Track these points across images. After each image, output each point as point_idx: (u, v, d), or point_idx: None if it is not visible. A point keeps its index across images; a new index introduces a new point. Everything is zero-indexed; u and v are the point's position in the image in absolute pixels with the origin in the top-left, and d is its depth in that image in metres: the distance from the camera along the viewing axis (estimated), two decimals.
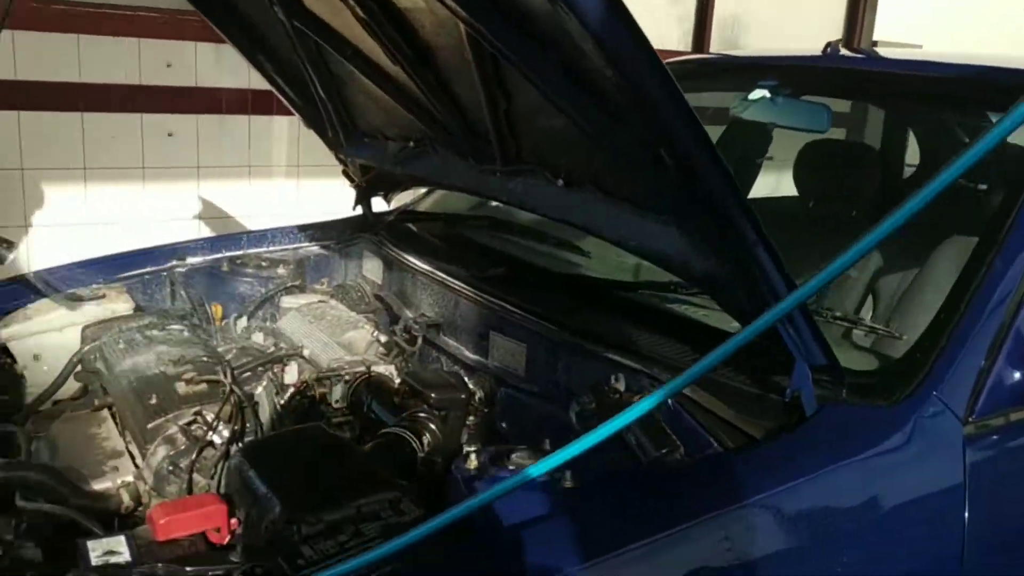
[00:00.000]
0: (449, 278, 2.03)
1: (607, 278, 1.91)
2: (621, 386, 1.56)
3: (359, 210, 2.68)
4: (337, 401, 1.75)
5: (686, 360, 1.56)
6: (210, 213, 4.60)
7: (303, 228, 2.67)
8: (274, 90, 2.54)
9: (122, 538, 1.20)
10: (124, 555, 1.16)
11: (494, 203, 2.58)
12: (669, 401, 1.49)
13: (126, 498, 1.58)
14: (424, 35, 1.70)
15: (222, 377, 1.70)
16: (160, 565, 1.13)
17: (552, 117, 1.57)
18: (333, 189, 4.82)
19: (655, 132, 1.23)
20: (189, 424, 1.58)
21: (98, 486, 1.60)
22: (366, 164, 2.51)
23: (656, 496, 1.29)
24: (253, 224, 4.61)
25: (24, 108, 4.05)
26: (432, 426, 1.57)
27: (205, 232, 4.56)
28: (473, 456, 1.31)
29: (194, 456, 1.49)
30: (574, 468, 1.28)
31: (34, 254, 4.20)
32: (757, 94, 2.39)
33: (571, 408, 1.56)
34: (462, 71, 1.66)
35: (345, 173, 2.65)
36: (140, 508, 1.61)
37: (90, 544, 1.18)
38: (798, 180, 2.60)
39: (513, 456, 1.32)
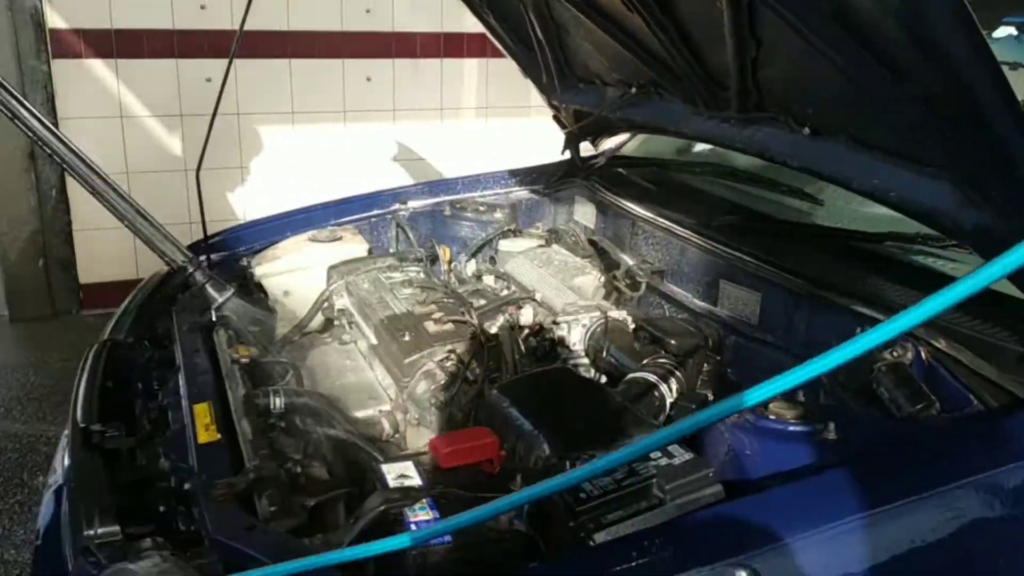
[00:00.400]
0: (674, 225, 2.05)
1: (847, 228, 1.86)
2: None
3: (567, 155, 2.73)
4: (574, 344, 1.82)
5: (941, 315, 1.52)
6: (404, 155, 4.79)
7: (514, 173, 2.75)
8: (490, 35, 2.60)
9: (410, 464, 1.31)
10: (415, 479, 1.28)
11: (704, 149, 2.57)
12: (923, 356, 1.47)
13: (387, 426, 1.72)
14: None
15: (468, 318, 1.80)
16: (451, 490, 1.23)
17: (806, 66, 1.54)
18: (519, 130, 4.93)
19: (945, 85, 1.19)
20: (444, 361, 1.69)
21: (360, 414, 1.74)
22: (579, 110, 2.54)
23: (919, 453, 1.28)
24: (444, 165, 4.77)
25: (239, 56, 4.34)
26: (677, 372, 1.61)
27: (400, 172, 4.76)
28: None
29: (455, 391, 1.60)
30: (837, 422, 1.29)
31: (249, 195, 4.51)
32: (1002, 32, 2.24)
33: None
34: (708, 18, 1.64)
35: (556, 118, 2.69)
36: (396, 436, 1.75)
37: (384, 467, 1.30)
38: None
39: (771, 406, 1.34)
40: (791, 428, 1.28)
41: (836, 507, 1.12)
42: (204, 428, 1.51)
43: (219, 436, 1.47)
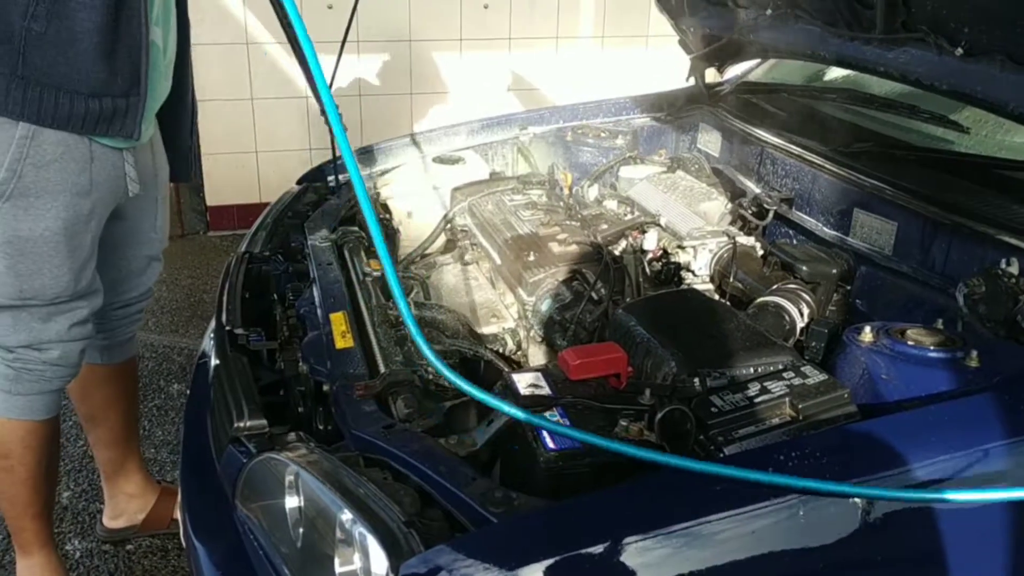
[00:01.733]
0: (805, 152, 1.99)
1: (992, 155, 1.77)
2: (1014, 269, 1.48)
3: (691, 81, 2.67)
4: (700, 269, 1.81)
5: None
6: (519, 84, 4.77)
7: (636, 99, 2.71)
8: None
9: (540, 374, 1.34)
10: (544, 388, 1.31)
11: (836, 76, 2.47)
12: None
13: (510, 342, 1.76)
14: None
15: (592, 240, 1.81)
16: (580, 399, 1.25)
17: None
18: (637, 59, 4.84)
19: None
20: (569, 280, 1.71)
21: (486, 330, 1.79)
22: (708, 34, 2.47)
23: None
24: (558, 93, 4.73)
25: None
26: (807, 297, 1.59)
27: (513, 100, 4.75)
28: (868, 328, 1.31)
29: (579, 309, 1.62)
30: (979, 349, 1.25)
31: (367, 121, 4.59)
32: None
33: (958, 290, 1.50)
34: None
35: (682, 43, 2.63)
36: (519, 352, 1.79)
37: (515, 376, 1.33)
38: None
39: (909, 332, 1.31)
40: (931, 354, 1.25)
41: (977, 432, 1.10)
42: (341, 335, 1.57)
43: (354, 343, 1.53)
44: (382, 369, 1.45)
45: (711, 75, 2.69)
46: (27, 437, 1.89)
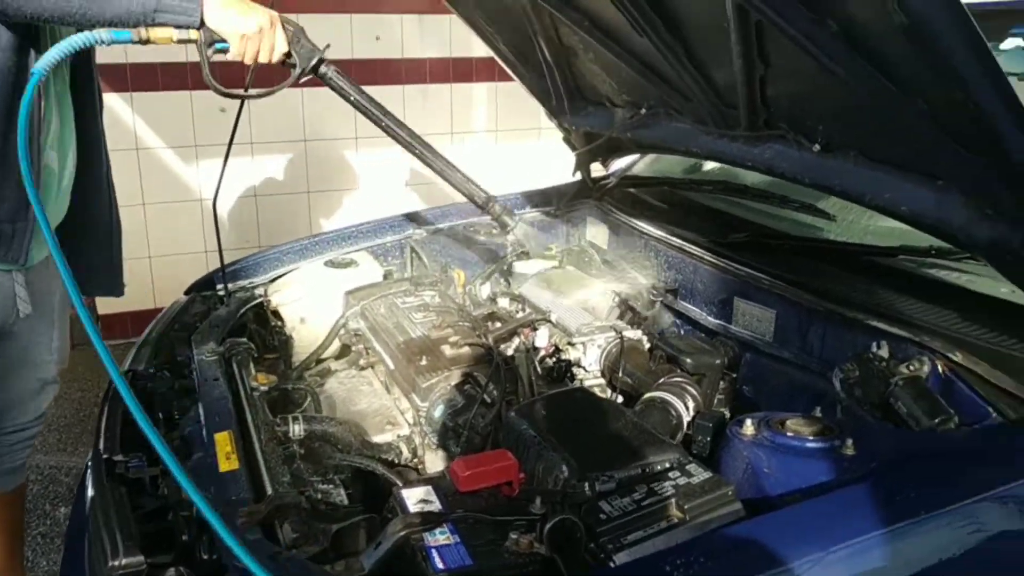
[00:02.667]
0: (686, 244, 2.06)
1: (859, 243, 1.87)
2: (884, 353, 1.54)
3: (578, 175, 2.75)
4: (590, 365, 1.83)
5: (957, 327, 1.53)
6: (416, 179, 4.82)
7: (526, 195, 2.77)
8: (498, 59, 2.62)
9: (430, 488, 1.32)
10: (435, 503, 1.28)
11: (713, 167, 2.58)
12: (940, 369, 1.47)
13: (405, 450, 1.73)
14: (676, 5, 1.71)
15: (483, 341, 1.81)
16: (471, 513, 1.23)
17: (813, 83, 1.56)
18: (531, 152, 4.96)
19: (951, 99, 1.20)
20: (462, 384, 1.70)
21: (379, 439, 1.75)
22: (589, 131, 2.56)
23: (938, 467, 1.28)
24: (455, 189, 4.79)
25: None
26: (692, 391, 1.62)
27: (411, 196, 4.79)
28: (749, 421, 1.34)
29: (471, 414, 1.61)
30: (855, 437, 1.29)
31: (262, 224, 4.55)
32: (1009, 43, 2.25)
33: (834, 375, 1.55)
34: (716, 39, 1.66)
35: (566, 140, 2.72)
36: (415, 460, 1.76)
37: (404, 492, 1.30)
38: None
39: (788, 423, 1.34)
40: (809, 444, 1.28)
41: (856, 523, 1.12)
42: (225, 457, 1.52)
43: (239, 464, 1.48)
44: (269, 491, 1.40)
45: (598, 168, 2.78)
46: None
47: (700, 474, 1.24)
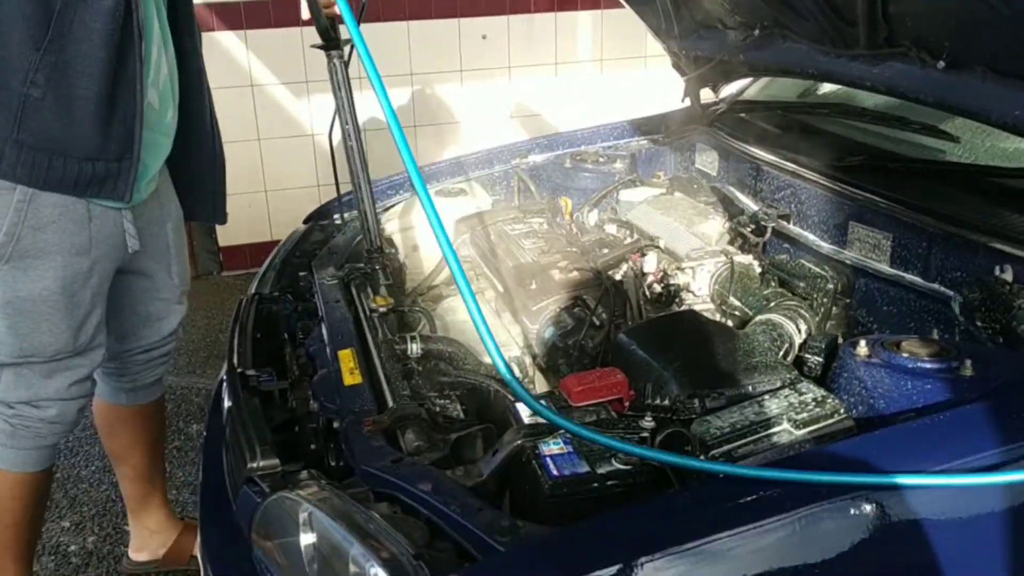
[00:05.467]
0: (800, 168, 2.02)
1: (983, 164, 1.79)
2: (1008, 276, 1.50)
3: (687, 102, 2.70)
4: (699, 289, 1.83)
5: None
6: (521, 111, 4.82)
7: (633, 123, 2.75)
8: None
9: (543, 402, 1.37)
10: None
11: (829, 90, 2.50)
12: None
13: (516, 370, 1.78)
14: None
15: (592, 266, 1.84)
16: (584, 423, 1.28)
17: None
18: (636, 81, 4.88)
19: None
20: (571, 307, 1.74)
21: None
22: (699, 55, 2.51)
23: None
24: (561, 118, 4.78)
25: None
26: (805, 313, 1.61)
27: (516, 126, 4.81)
28: (863, 342, 1.33)
29: (581, 335, 1.65)
30: (973, 360, 1.27)
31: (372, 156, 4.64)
32: None
33: (953, 300, 1.52)
34: None
35: (675, 65, 2.67)
36: (525, 380, 1.81)
37: (519, 406, 1.36)
38: None
39: (903, 344, 1.33)
40: (925, 364, 1.27)
41: (968, 443, 1.11)
42: (349, 372, 1.60)
43: (362, 379, 1.57)
44: (390, 404, 1.48)
45: (706, 95, 2.73)
46: (17, 488, 1.94)
47: (812, 392, 1.25)
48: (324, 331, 1.79)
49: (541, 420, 1.34)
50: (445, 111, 4.74)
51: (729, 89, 2.74)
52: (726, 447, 1.17)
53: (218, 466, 1.65)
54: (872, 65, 1.79)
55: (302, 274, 2.13)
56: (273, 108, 4.44)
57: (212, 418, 1.87)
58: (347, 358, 1.65)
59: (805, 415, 1.20)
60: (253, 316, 1.95)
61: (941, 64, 1.60)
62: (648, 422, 1.26)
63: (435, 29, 4.56)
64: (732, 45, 2.24)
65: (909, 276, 1.70)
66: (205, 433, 1.94)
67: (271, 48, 4.34)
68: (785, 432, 1.19)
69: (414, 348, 1.69)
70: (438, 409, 1.52)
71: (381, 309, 1.84)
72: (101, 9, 1.63)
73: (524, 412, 1.34)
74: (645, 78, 4.90)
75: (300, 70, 4.38)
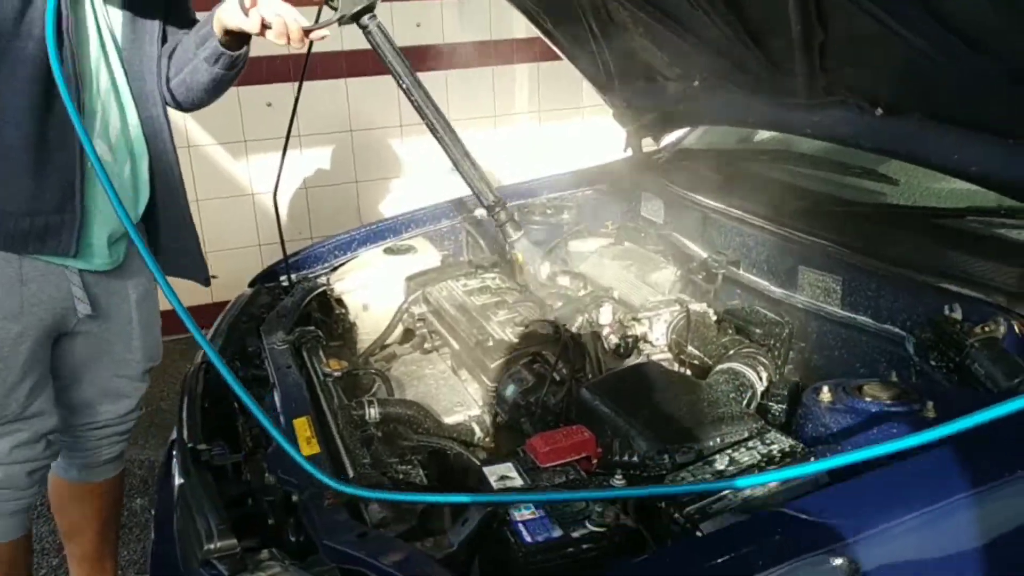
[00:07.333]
0: (746, 214, 2.04)
1: (925, 206, 1.84)
2: (958, 315, 1.53)
3: (629, 152, 2.74)
4: (657, 339, 1.83)
5: None
6: None
7: (576, 174, 2.77)
8: (545, 38, 2.62)
9: (510, 464, 1.34)
10: (517, 479, 1.31)
11: (768, 136, 2.56)
12: (1016, 329, 1.46)
13: (478, 430, 1.75)
14: None
15: (549, 319, 1.83)
16: (555, 487, 1.26)
17: (876, 46, 1.54)
18: (575, 131, 4.95)
19: None
20: (530, 363, 1.72)
21: (450, 420, 1.78)
22: (640, 106, 2.55)
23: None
24: (501, 170, 4.81)
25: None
26: (764, 360, 1.62)
27: (458, 180, 4.80)
28: (826, 388, 1.34)
29: (543, 392, 1.62)
30: (935, 400, 1.28)
31: (314, 215, 4.60)
32: None
33: (907, 340, 1.55)
34: (771, 7, 1.65)
35: (616, 117, 2.71)
36: (487, 439, 1.78)
37: (487, 470, 1.33)
38: None
39: (865, 388, 1.34)
40: (889, 408, 1.28)
41: (935, 489, 1.12)
42: (306, 441, 1.55)
43: (320, 448, 1.52)
44: (351, 473, 1.43)
45: (648, 144, 2.77)
46: None
47: (781, 442, 1.25)
48: (277, 398, 1.74)
49: (510, 484, 1.31)
50: (387, 166, 4.73)
51: (670, 138, 2.79)
52: (700, 503, 1.16)
53: (170, 547, 1.57)
54: (811, 113, 1.83)
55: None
56: (211, 167, 4.38)
57: (162, 494, 1.79)
58: (303, 426, 1.60)
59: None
60: (202, 386, 1.88)
61: (879, 111, 1.64)
62: (619, 480, 1.24)
63: (374, 85, 4.57)
64: (672, 96, 2.28)
65: (861, 318, 1.72)
66: (154, 511, 1.86)
67: (208, 108, 4.29)
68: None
69: (372, 413, 1.65)
70: (401, 476, 1.48)
71: (336, 373, 1.79)
72: (22, 57, 1.58)
73: (492, 476, 1.31)
74: (583, 128, 4.96)
75: (238, 129, 4.34)
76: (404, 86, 2.09)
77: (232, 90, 4.18)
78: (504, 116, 4.92)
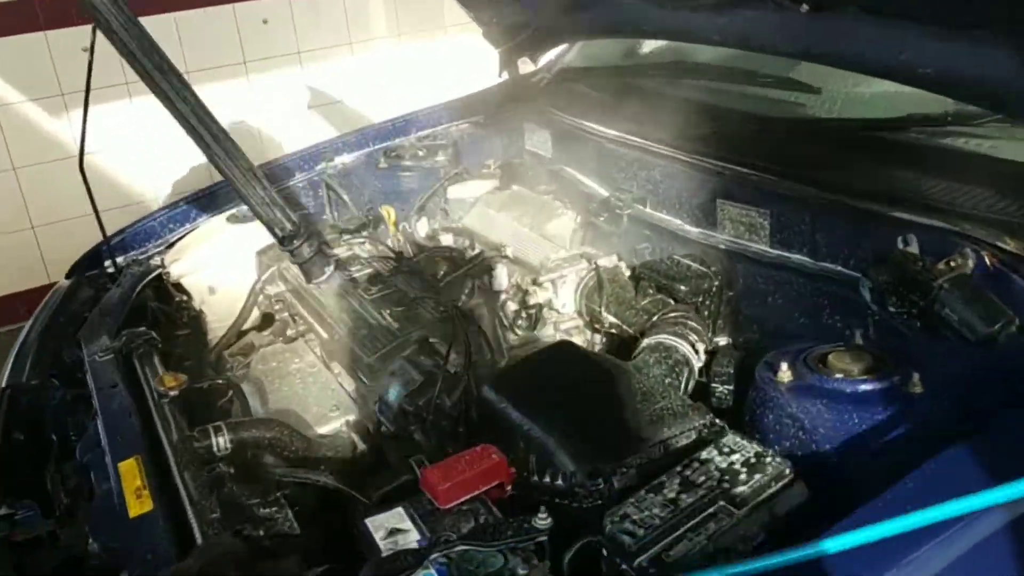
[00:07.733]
0: (650, 143, 1.75)
1: (860, 117, 1.58)
2: (914, 249, 1.29)
3: (504, 76, 2.39)
4: (564, 306, 1.53)
5: (997, 207, 1.27)
6: (319, 100, 4.38)
7: (448, 106, 2.41)
8: None
9: (400, 511, 1.03)
10: (411, 532, 1.00)
11: (658, 46, 2.25)
12: (987, 262, 1.23)
13: (358, 441, 1.43)
14: None
15: (433, 295, 1.50)
16: (459, 544, 0.95)
17: None
18: (437, 51, 4.55)
19: None
20: (416, 354, 1.39)
21: (324, 430, 1.46)
22: (514, 22, 2.20)
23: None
24: (363, 102, 4.38)
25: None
26: (695, 324, 1.34)
27: (317, 118, 4.36)
28: (784, 364, 1.07)
29: (435, 392, 1.30)
30: (920, 371, 1.03)
31: (149, 177, 4.10)
32: None
33: (861, 285, 1.30)
34: None
35: (486, 35, 2.35)
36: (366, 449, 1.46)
37: (370, 523, 1.02)
38: None
39: (831, 359, 1.08)
40: (865, 386, 1.03)
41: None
42: (135, 495, 1.22)
43: (153, 504, 1.18)
44: (197, 539, 1.10)
45: (525, 65, 2.43)
46: None
47: (739, 448, 0.98)
48: (101, 430, 1.38)
49: (403, 539, 1.01)
50: (231, 111, 4.21)
51: (548, 56, 2.45)
52: (654, 548, 0.88)
53: None
54: (718, 15, 1.54)
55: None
56: (26, 129, 3.79)
57: None
58: (131, 473, 1.27)
59: (744, 488, 0.92)
60: (5, 418, 1.50)
61: (804, 7, 1.36)
62: (543, 520, 0.95)
63: (208, 18, 4.03)
64: (553, 9, 1.94)
65: (796, 256, 1.47)
66: None
67: (11, 60, 3.68)
68: (723, 513, 0.90)
69: (221, 442, 1.31)
70: (263, 529, 1.16)
71: (172, 392, 1.43)
72: None
73: (379, 532, 1.00)
74: (448, 47, 4.56)
75: (52, 81, 3.74)
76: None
77: (37, 35, 3.59)
78: (361, 42, 4.47)
